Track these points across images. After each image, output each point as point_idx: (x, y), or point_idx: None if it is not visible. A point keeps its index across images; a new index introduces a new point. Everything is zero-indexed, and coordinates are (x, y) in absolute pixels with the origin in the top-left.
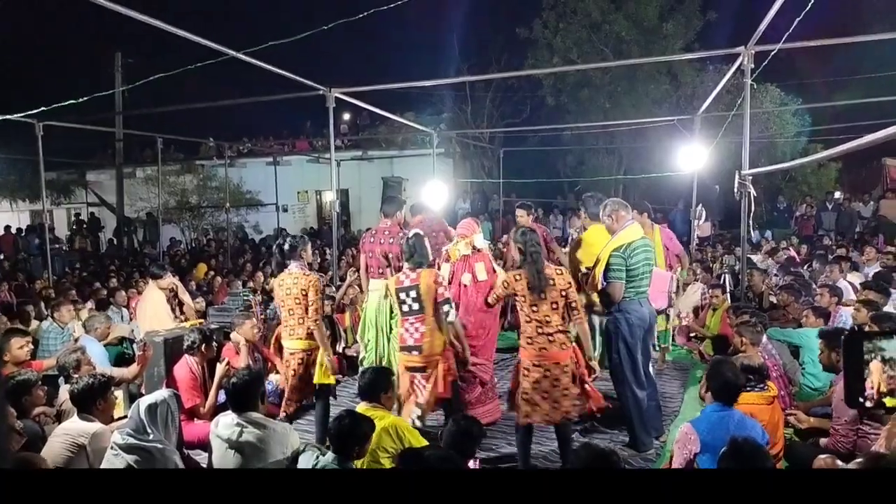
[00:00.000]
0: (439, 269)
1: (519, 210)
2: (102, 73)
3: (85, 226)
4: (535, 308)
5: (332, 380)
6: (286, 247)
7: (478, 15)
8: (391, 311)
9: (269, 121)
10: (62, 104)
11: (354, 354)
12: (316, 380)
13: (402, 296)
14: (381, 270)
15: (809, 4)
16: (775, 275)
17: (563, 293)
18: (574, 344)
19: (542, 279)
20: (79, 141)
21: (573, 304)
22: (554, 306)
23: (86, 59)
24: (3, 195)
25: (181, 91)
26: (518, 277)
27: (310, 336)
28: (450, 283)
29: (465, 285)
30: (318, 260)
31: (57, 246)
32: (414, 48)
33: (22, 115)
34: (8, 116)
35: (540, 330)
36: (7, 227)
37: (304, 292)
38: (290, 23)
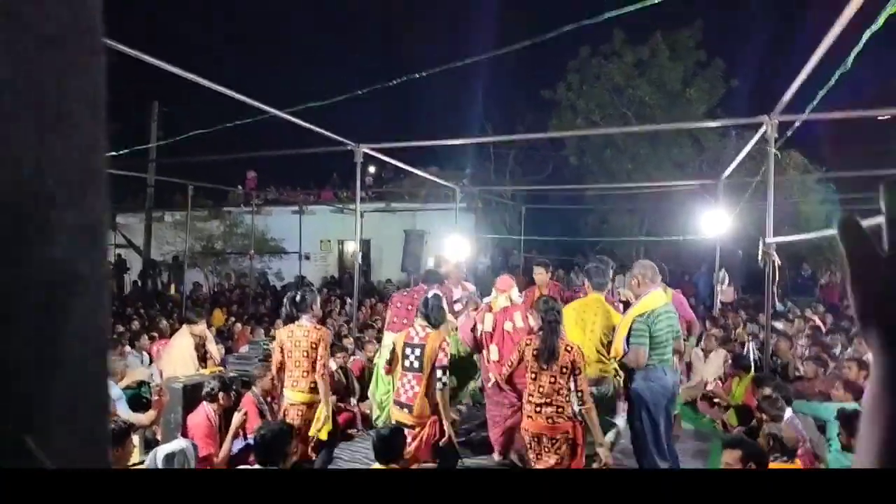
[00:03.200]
0: (484, 318)
1: (537, 267)
2: (138, 120)
3: (111, 267)
4: (534, 376)
5: (326, 435)
6: (297, 299)
7: (503, 76)
8: None
9: (296, 170)
10: None
11: (368, 411)
12: (312, 432)
13: (408, 351)
14: (404, 322)
15: (833, 79)
16: (801, 345)
17: (565, 370)
18: (578, 420)
19: (552, 352)
20: (110, 184)
21: (579, 387)
22: (552, 380)
23: (122, 105)
24: None
25: (214, 138)
26: (529, 343)
27: (312, 390)
28: (493, 331)
29: (508, 332)
30: (339, 308)
31: None
32: (440, 105)
33: None
34: None
35: (531, 398)
36: None
37: (313, 346)
38: (318, 74)
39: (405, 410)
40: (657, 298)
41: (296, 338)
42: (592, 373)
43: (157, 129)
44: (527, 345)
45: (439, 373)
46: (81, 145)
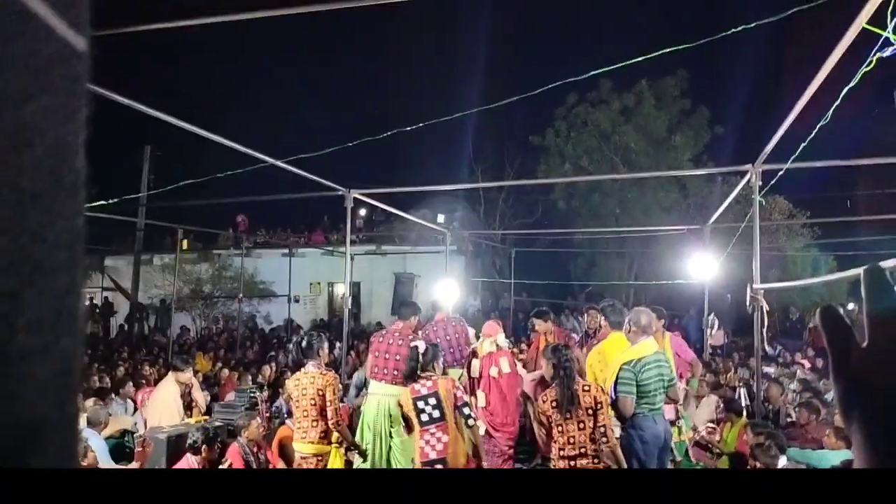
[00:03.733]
0: (470, 364)
1: (536, 319)
2: (129, 162)
3: (97, 310)
4: (560, 429)
5: None
6: (303, 345)
7: (493, 119)
8: (391, 416)
9: (286, 213)
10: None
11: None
12: None
13: (421, 404)
14: (385, 371)
15: (815, 131)
16: (792, 389)
17: (590, 411)
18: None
19: (572, 399)
20: (98, 227)
21: (602, 427)
22: (581, 426)
23: (114, 149)
24: None
25: (206, 182)
26: (545, 399)
27: (322, 439)
28: (479, 376)
29: (494, 377)
30: (328, 352)
31: None
32: (430, 150)
33: None
34: None
35: (562, 452)
36: None
37: (320, 392)
38: (310, 118)
39: (438, 467)
40: (646, 347)
41: (302, 386)
42: None
43: (148, 173)
44: (543, 401)
45: (466, 410)
46: (58, 290)
